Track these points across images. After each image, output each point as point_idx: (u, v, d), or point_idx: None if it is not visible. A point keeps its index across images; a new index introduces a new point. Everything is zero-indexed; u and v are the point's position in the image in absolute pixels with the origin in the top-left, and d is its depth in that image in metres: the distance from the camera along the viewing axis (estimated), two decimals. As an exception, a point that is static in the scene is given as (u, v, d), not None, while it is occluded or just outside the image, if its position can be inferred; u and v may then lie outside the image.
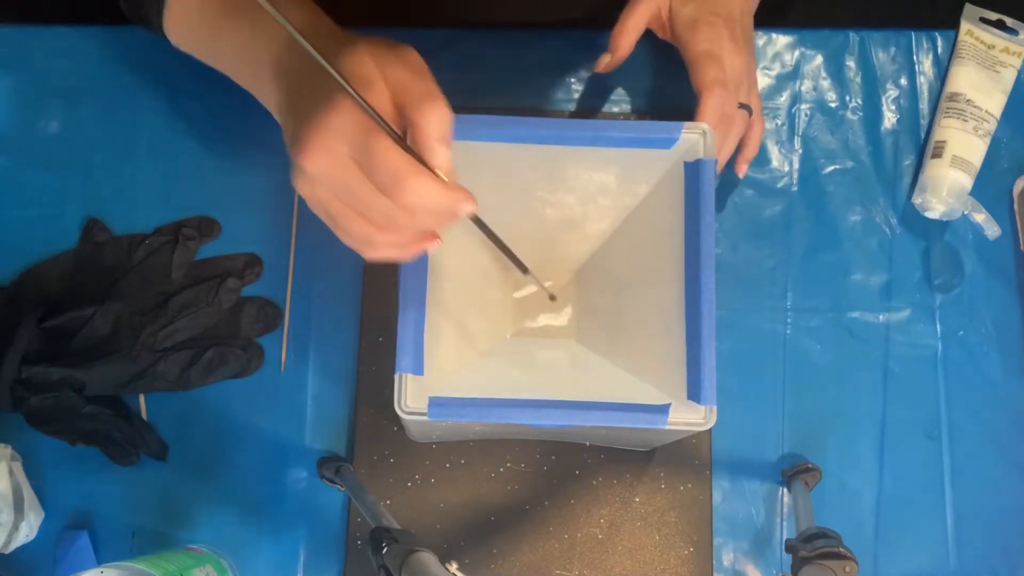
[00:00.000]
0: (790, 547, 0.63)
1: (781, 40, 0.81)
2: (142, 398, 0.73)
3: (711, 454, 0.73)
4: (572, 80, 0.79)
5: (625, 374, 0.63)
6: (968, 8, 0.81)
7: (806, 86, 0.80)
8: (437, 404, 0.57)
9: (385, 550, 0.55)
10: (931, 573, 0.72)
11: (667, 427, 0.57)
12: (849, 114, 0.80)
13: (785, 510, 0.73)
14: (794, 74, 0.80)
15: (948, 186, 0.75)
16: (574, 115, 0.79)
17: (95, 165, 0.77)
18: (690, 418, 0.58)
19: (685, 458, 0.72)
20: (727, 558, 0.72)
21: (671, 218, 0.62)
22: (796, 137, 0.79)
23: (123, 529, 0.71)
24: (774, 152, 0.79)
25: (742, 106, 0.71)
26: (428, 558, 0.54)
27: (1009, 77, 0.79)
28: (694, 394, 0.58)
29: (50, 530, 0.70)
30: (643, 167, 0.63)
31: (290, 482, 0.72)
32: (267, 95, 0.57)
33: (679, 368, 0.59)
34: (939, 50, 0.81)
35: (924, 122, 0.80)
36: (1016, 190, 0.78)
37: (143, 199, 0.76)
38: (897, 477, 0.73)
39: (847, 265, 0.77)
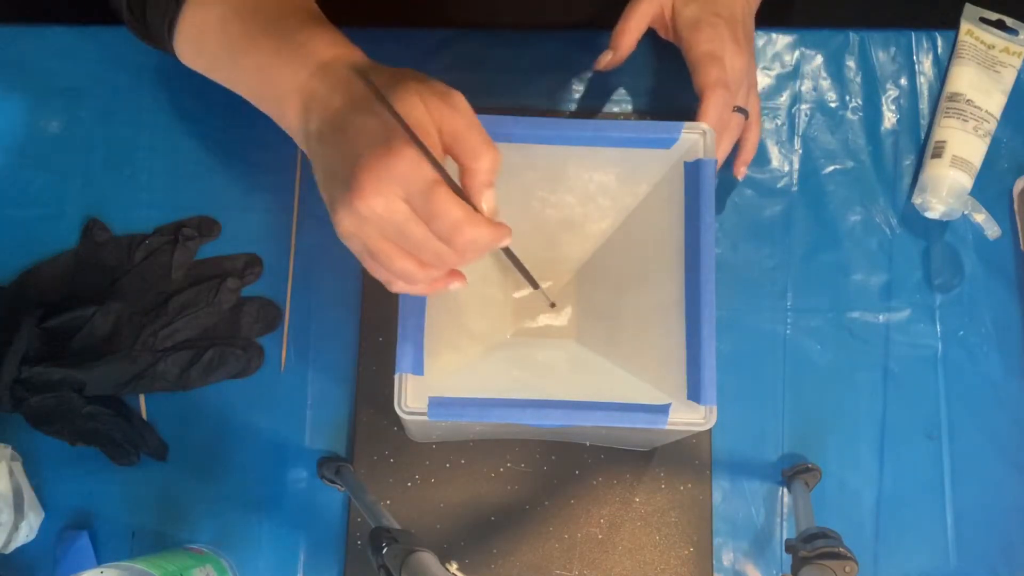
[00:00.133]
0: (790, 547, 0.63)
1: (781, 40, 0.81)
2: (142, 398, 0.73)
3: (711, 454, 0.73)
4: (572, 80, 0.79)
5: (625, 374, 0.63)
6: (968, 8, 0.81)
7: (806, 86, 0.80)
8: (437, 404, 0.57)
9: (385, 550, 0.55)
10: (931, 573, 0.72)
11: (667, 427, 0.57)
12: (849, 114, 0.80)
13: (785, 510, 0.73)
14: (794, 74, 0.80)
15: (948, 186, 0.75)
16: (574, 115, 0.79)
17: (95, 165, 0.77)
18: (690, 418, 0.58)
19: (685, 458, 0.72)
20: (727, 558, 0.72)
21: (671, 218, 0.62)
22: (796, 137, 0.79)
23: (123, 529, 0.71)
24: (774, 152, 0.79)
25: (738, 109, 0.71)
26: (428, 558, 0.54)
27: (1009, 77, 0.79)
28: (694, 394, 0.58)
29: (50, 530, 0.70)
30: (643, 167, 0.63)
31: (290, 482, 0.72)
32: (291, 121, 0.57)
33: (679, 368, 0.59)
34: (939, 50, 0.81)
35: (924, 122, 0.80)
36: (1016, 190, 0.78)
37: (143, 199, 0.76)
38: (897, 477, 0.73)
39: (847, 265, 0.77)
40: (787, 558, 0.66)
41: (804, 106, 0.80)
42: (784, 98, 0.80)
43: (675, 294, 0.61)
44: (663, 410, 0.57)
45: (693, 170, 0.61)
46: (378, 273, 0.55)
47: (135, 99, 0.78)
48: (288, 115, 0.57)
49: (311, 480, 0.72)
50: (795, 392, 0.74)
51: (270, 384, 0.74)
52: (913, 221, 0.78)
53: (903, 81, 0.81)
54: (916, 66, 0.81)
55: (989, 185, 0.78)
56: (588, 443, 0.72)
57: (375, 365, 0.73)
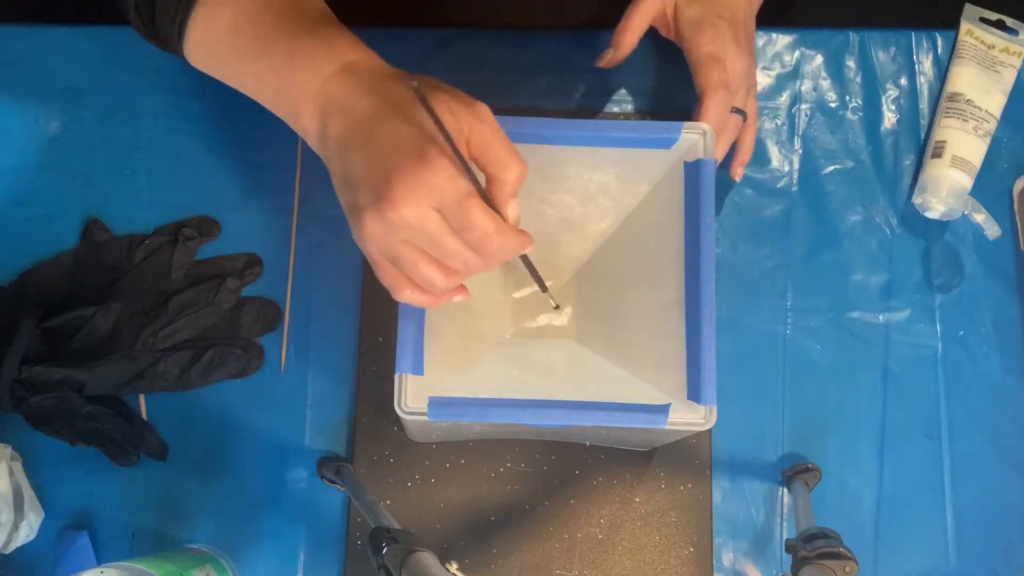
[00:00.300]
0: (790, 547, 0.63)
1: (781, 40, 0.81)
2: (142, 398, 0.73)
3: (711, 454, 0.73)
4: (572, 80, 0.79)
5: (625, 374, 0.63)
6: (968, 8, 0.81)
7: (806, 86, 0.80)
8: (437, 404, 0.57)
9: (385, 550, 0.55)
10: (931, 573, 0.72)
11: (667, 427, 0.57)
12: (849, 114, 0.80)
13: (785, 510, 0.73)
14: (794, 74, 0.80)
15: (948, 186, 0.75)
16: (574, 115, 0.79)
17: (95, 165, 0.77)
18: (690, 418, 0.58)
19: (685, 458, 0.72)
20: (727, 558, 0.72)
21: (671, 218, 0.62)
22: (796, 137, 0.79)
23: (123, 529, 0.71)
24: (774, 152, 0.79)
25: (737, 110, 0.71)
26: (428, 558, 0.54)
27: (1009, 77, 0.79)
28: (694, 394, 0.58)
29: (50, 530, 0.70)
30: (643, 167, 0.63)
31: (290, 482, 0.72)
32: (305, 124, 0.56)
33: (679, 368, 0.59)
34: (939, 50, 0.81)
35: (924, 122, 0.80)
36: (1016, 190, 0.78)
37: (143, 199, 0.76)
38: (897, 477, 0.73)
39: (847, 265, 0.77)
40: (787, 558, 0.67)
41: (804, 106, 0.80)
42: (784, 98, 0.80)
43: (675, 294, 0.61)
44: (663, 410, 0.57)
45: (693, 170, 0.61)
46: (387, 279, 0.55)
47: (135, 99, 0.78)
48: (302, 117, 0.56)
49: (311, 480, 0.72)
50: (795, 392, 0.74)
51: (270, 384, 0.74)
52: (913, 221, 0.78)
53: (903, 81, 0.81)
54: (916, 66, 0.81)
55: (989, 185, 0.78)
56: (588, 443, 0.72)
57: (375, 365, 0.73)
